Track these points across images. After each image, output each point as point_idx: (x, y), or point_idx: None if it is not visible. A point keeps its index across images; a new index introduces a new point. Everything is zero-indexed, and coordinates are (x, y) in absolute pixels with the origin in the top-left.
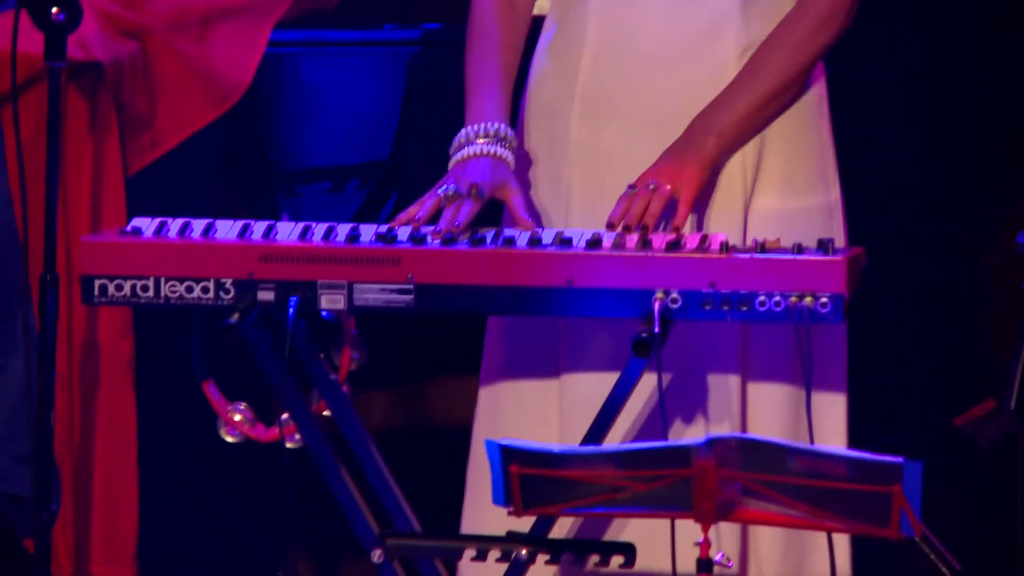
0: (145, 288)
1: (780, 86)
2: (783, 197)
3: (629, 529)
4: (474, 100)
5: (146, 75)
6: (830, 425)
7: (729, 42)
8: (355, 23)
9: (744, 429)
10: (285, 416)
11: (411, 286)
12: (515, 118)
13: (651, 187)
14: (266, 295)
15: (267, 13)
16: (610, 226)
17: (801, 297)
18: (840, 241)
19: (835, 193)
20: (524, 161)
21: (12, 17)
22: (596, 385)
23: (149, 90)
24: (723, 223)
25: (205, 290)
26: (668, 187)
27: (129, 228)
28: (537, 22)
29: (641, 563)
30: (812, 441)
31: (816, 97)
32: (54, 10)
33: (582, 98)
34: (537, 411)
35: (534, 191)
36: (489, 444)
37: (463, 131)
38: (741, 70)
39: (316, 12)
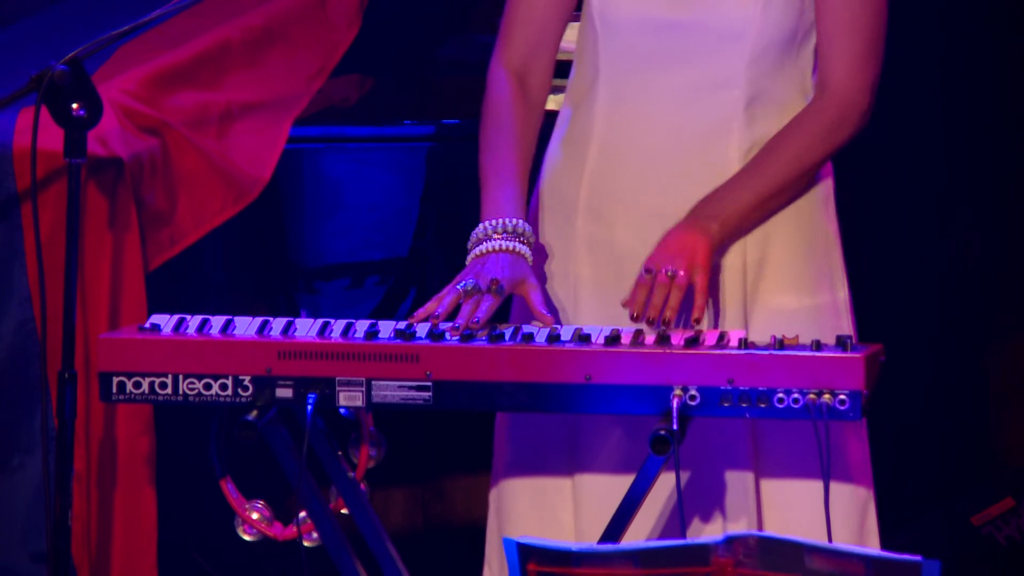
0: (163, 385)
1: (785, 183)
2: (790, 295)
3: None
4: (490, 195)
5: (166, 171)
6: (854, 522)
7: (733, 142)
8: (373, 119)
9: (761, 526)
10: (303, 515)
11: (430, 383)
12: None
13: (669, 274)
14: (284, 392)
15: (286, 110)
16: (628, 310)
17: (820, 394)
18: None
19: (843, 292)
20: (538, 254)
21: (33, 113)
22: (612, 484)
23: (169, 186)
24: (723, 320)
25: (223, 387)
26: (684, 274)
27: (148, 325)
28: (551, 116)
29: None
30: (830, 538)
31: (823, 195)
32: (75, 106)
33: (588, 193)
34: (550, 509)
35: (547, 285)
36: (507, 542)
37: (480, 226)
38: (748, 162)
39: (335, 109)
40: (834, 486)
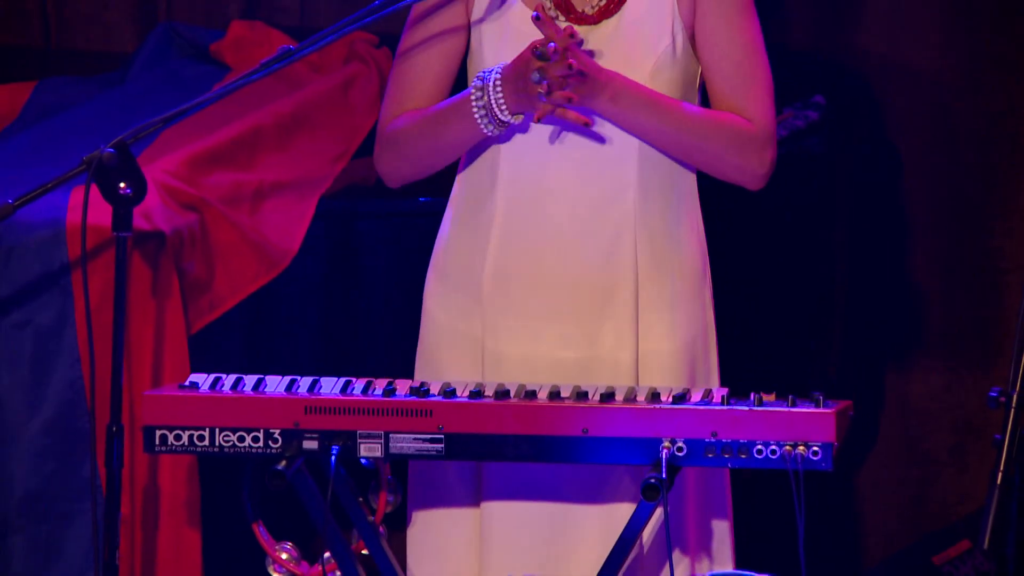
0: (201, 438)
1: (681, 122)
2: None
3: None
4: (449, 100)
5: (204, 243)
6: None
7: (628, 209)
8: (391, 195)
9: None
10: (327, 555)
11: (442, 436)
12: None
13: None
14: (311, 444)
15: (313, 188)
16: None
17: (795, 446)
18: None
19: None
20: (434, 325)
21: (84, 191)
22: (520, 511)
23: (207, 257)
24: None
25: (256, 439)
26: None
27: (187, 383)
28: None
29: None
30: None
31: (700, 269)
32: (121, 185)
33: (493, 264)
34: (456, 540)
35: (448, 352)
36: None
37: (476, 87)
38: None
39: (357, 187)
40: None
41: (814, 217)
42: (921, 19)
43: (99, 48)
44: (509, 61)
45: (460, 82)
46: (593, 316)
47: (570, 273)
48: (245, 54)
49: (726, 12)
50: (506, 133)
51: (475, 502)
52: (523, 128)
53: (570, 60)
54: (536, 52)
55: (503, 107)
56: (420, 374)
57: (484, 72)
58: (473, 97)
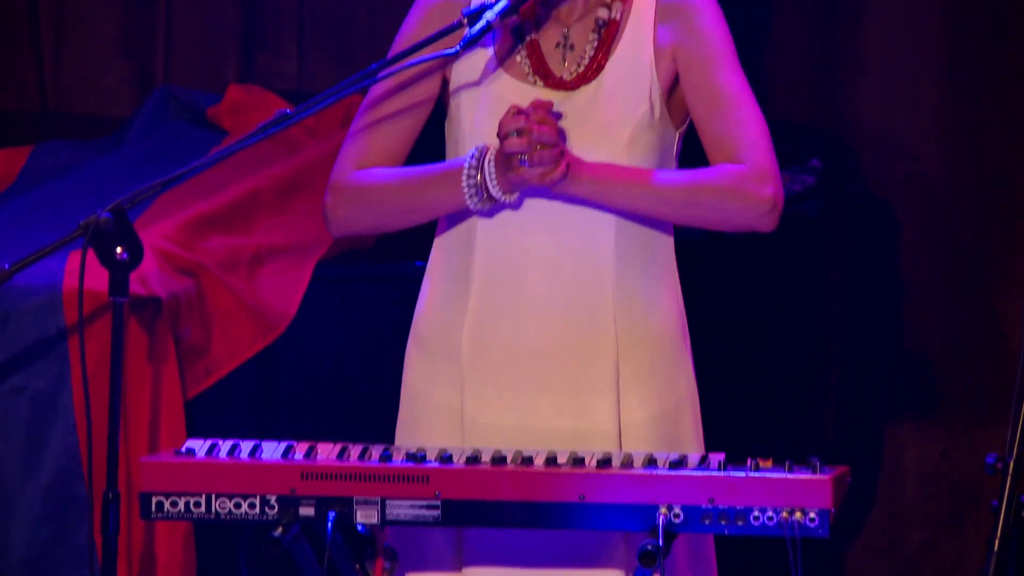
0: (198, 504)
1: (671, 191)
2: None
3: None
4: (436, 166)
5: (201, 308)
6: None
7: (606, 277)
8: (389, 258)
9: None
10: None
11: (438, 502)
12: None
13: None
14: (307, 510)
15: (310, 252)
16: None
17: (792, 512)
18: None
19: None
20: (414, 393)
21: (81, 256)
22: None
23: (204, 322)
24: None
25: (252, 506)
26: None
27: (183, 449)
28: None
29: None
30: None
31: (679, 335)
32: (118, 250)
33: (472, 333)
34: None
35: (427, 421)
36: None
37: (466, 169)
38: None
39: (354, 251)
40: None
41: (810, 280)
42: (916, 87)
43: (96, 112)
44: (490, 136)
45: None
46: (574, 386)
47: (549, 342)
48: (242, 118)
49: (708, 66)
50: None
51: (457, 567)
52: (503, 221)
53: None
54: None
55: (495, 186)
56: (400, 443)
57: (478, 148)
58: (465, 173)
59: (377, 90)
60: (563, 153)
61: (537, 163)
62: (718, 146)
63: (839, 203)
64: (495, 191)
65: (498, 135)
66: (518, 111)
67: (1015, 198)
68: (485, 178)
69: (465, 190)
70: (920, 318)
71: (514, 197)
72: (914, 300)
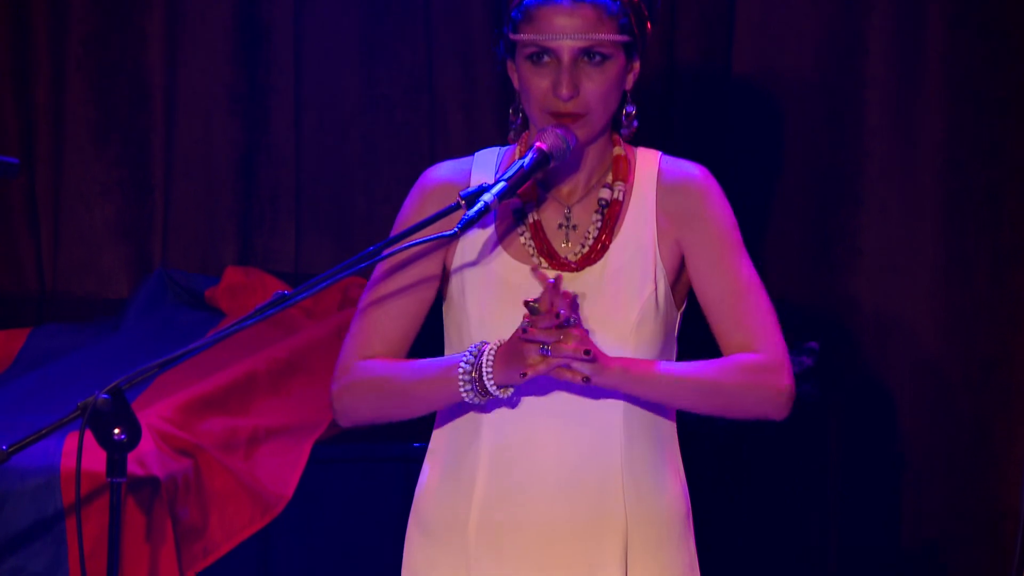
0: None
1: (697, 384)
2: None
3: None
4: (436, 361)
5: (198, 489)
6: None
7: (615, 458)
8: (386, 439)
9: None
10: None
11: None
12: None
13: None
14: None
15: (308, 433)
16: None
17: None
18: None
19: None
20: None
21: (78, 437)
22: None
23: (201, 503)
24: None
25: None
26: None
27: None
28: None
29: None
30: None
31: (684, 512)
32: (116, 431)
33: (479, 517)
34: None
35: None
36: None
37: (463, 365)
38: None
39: (351, 432)
40: None
41: (808, 463)
42: (914, 268)
43: (94, 294)
44: (500, 315)
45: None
46: (583, 564)
47: (559, 522)
48: (240, 300)
49: (717, 253)
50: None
51: None
52: (510, 402)
53: (581, 338)
54: (529, 307)
55: (491, 381)
56: None
57: (476, 346)
58: (461, 369)
59: (378, 275)
60: (588, 345)
61: (563, 353)
62: (731, 334)
63: (837, 385)
64: (491, 387)
65: (523, 330)
66: (552, 302)
67: (1014, 379)
68: (482, 374)
69: (461, 387)
70: (919, 500)
71: (510, 392)
72: (914, 483)
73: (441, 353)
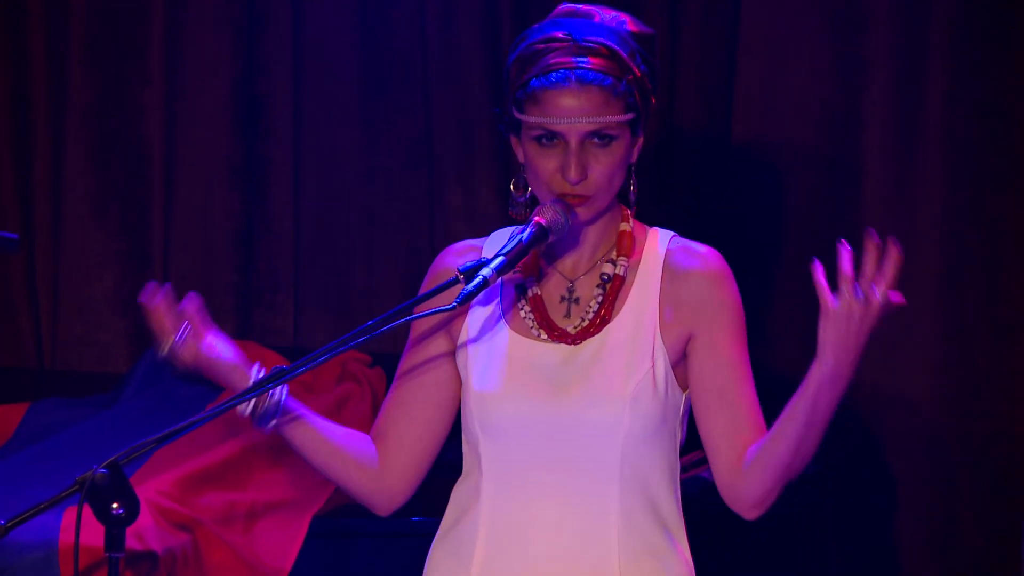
0: None
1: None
2: None
3: None
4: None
5: (197, 563)
6: None
7: (611, 543)
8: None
9: None
10: None
11: None
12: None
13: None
14: None
15: (306, 507)
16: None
17: None
18: None
19: None
20: None
21: (76, 512)
22: None
23: None
24: None
25: None
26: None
27: None
28: None
29: None
30: None
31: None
32: (114, 505)
33: None
34: None
35: None
36: None
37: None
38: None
39: (350, 506)
40: None
41: (806, 536)
42: (911, 339)
43: (93, 368)
44: (497, 388)
45: None
46: None
47: None
48: None
49: (721, 344)
50: (489, 459)
51: None
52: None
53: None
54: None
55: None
56: None
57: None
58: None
59: (404, 353)
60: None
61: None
62: (739, 432)
63: (835, 457)
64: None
65: None
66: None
67: (1013, 455)
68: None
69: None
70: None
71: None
72: (912, 555)
73: None
